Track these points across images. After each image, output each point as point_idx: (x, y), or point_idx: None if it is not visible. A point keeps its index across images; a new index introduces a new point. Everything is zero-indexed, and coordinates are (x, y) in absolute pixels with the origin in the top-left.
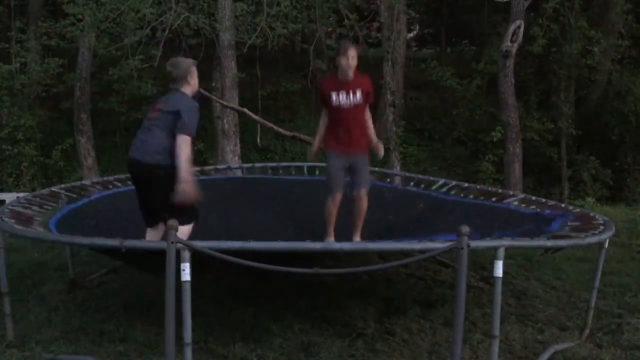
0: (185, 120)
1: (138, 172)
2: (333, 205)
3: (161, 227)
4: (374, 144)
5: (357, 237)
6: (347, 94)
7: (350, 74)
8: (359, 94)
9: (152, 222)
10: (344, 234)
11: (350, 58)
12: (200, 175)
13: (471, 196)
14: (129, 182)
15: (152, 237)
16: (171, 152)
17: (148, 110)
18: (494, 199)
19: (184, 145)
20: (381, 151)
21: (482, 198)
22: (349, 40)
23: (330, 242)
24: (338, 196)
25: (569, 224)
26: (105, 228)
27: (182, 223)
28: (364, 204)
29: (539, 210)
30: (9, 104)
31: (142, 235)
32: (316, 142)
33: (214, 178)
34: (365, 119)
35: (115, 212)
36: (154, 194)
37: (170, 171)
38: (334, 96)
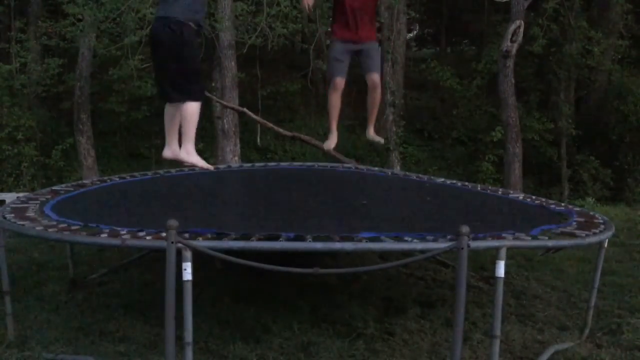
0: None
1: (162, 30)
2: (333, 90)
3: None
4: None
5: (371, 130)
6: None
7: None
8: None
9: (169, 95)
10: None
11: None
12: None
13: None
14: (128, 177)
15: (171, 111)
16: (199, 12)
17: None
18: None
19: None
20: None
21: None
22: None
23: (331, 242)
24: (339, 82)
25: (575, 219)
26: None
27: (192, 98)
28: (378, 91)
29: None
30: (9, 104)
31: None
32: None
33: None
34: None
35: (112, 197)
36: (170, 57)
37: (193, 33)
38: None
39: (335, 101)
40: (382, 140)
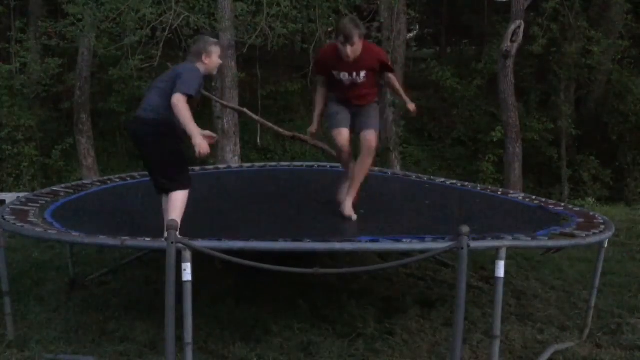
0: (184, 78)
1: (133, 128)
2: (340, 140)
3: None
4: (408, 105)
5: (348, 204)
6: (350, 74)
7: (355, 56)
8: (362, 74)
9: (159, 189)
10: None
11: (355, 46)
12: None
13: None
14: (128, 179)
15: (165, 199)
16: (165, 110)
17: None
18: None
19: (180, 104)
20: (413, 107)
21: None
22: (350, 20)
23: (331, 242)
24: (344, 132)
25: (577, 220)
26: (102, 218)
27: (176, 188)
28: (371, 155)
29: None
30: (9, 104)
31: (141, 224)
32: (315, 117)
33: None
34: (393, 88)
35: (112, 203)
36: (147, 153)
37: (162, 129)
38: (334, 73)
39: (346, 153)
40: (355, 217)
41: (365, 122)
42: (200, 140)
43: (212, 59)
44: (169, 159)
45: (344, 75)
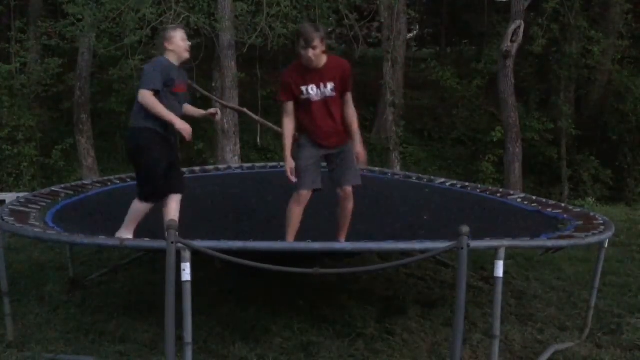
0: (144, 75)
1: (127, 139)
2: (297, 205)
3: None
4: (355, 146)
5: (342, 238)
6: (318, 85)
7: (318, 62)
8: (330, 85)
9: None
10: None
11: (317, 49)
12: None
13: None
14: (129, 180)
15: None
16: (139, 113)
17: None
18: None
19: (145, 99)
20: (362, 157)
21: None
22: (309, 24)
23: (331, 242)
24: (305, 195)
25: (575, 224)
26: (102, 221)
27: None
28: (350, 204)
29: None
30: (9, 104)
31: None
32: (288, 157)
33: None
34: (347, 112)
35: (112, 206)
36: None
37: (138, 139)
38: (302, 89)
39: (296, 214)
40: None
41: (346, 175)
42: (181, 124)
43: (175, 42)
44: (139, 169)
45: (312, 89)
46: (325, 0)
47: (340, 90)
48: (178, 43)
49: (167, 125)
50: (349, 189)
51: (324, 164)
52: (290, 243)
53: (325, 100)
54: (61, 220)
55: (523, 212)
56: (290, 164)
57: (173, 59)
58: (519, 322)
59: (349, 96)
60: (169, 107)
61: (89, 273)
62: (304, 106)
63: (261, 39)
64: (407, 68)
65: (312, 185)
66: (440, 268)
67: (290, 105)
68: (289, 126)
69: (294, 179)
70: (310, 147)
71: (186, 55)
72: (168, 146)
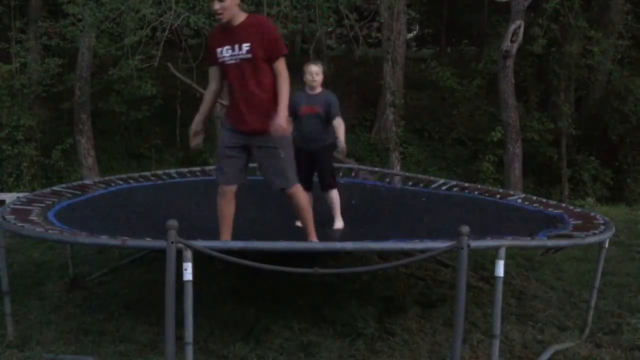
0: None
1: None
2: (219, 199)
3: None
4: (278, 115)
5: (312, 239)
6: (232, 47)
7: (229, 19)
8: (246, 47)
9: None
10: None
11: (225, 1)
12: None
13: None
14: (131, 181)
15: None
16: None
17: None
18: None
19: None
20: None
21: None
22: None
23: (331, 243)
24: (225, 188)
25: (572, 222)
26: (103, 219)
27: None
28: (297, 202)
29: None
30: (9, 104)
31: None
32: (196, 120)
33: None
34: (280, 82)
35: (114, 204)
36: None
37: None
38: (217, 50)
39: (224, 210)
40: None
41: (271, 179)
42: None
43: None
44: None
45: (227, 52)
46: (325, 0)
47: (262, 56)
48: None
49: None
50: (286, 192)
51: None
52: (290, 243)
53: (240, 65)
54: (63, 219)
55: (524, 211)
56: (193, 126)
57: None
58: (519, 322)
59: (278, 63)
60: None
61: (89, 273)
62: (224, 73)
63: None
64: (407, 68)
65: (225, 179)
66: (440, 268)
67: (214, 71)
68: (209, 89)
69: (193, 144)
70: (226, 131)
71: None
72: None
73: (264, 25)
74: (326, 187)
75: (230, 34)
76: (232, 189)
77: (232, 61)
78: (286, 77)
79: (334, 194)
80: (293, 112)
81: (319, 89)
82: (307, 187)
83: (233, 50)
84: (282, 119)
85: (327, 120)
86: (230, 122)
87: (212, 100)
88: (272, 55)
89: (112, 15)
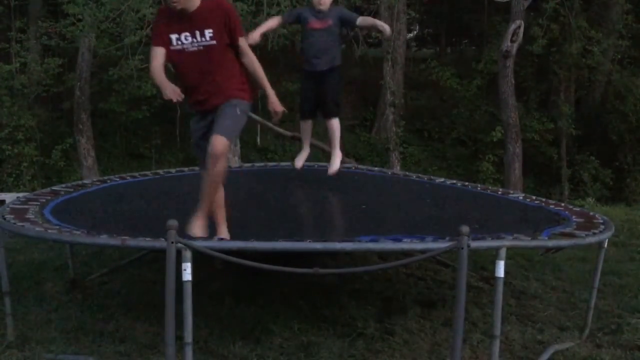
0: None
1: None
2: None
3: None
4: (270, 100)
5: (194, 223)
6: (193, 34)
7: (185, 4)
8: (209, 33)
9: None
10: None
11: None
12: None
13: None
14: (128, 178)
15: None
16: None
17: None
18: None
19: None
20: (278, 108)
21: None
22: None
23: (330, 243)
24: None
25: (574, 219)
26: (101, 216)
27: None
28: (214, 166)
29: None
30: (9, 104)
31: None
32: (160, 81)
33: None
34: (246, 62)
35: (111, 202)
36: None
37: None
38: (171, 37)
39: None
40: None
41: (215, 124)
42: None
43: None
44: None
45: (187, 39)
46: None
47: (227, 41)
48: None
49: None
50: (215, 141)
51: None
52: (290, 243)
53: (203, 52)
54: (59, 214)
55: (525, 207)
56: (165, 86)
57: None
58: (519, 322)
59: (242, 43)
60: None
61: (89, 273)
62: (176, 59)
63: (261, 39)
64: (407, 68)
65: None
66: (440, 268)
67: (159, 51)
68: (157, 65)
69: (178, 97)
70: (194, 118)
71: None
72: None
73: (223, 7)
74: (329, 113)
75: (188, 19)
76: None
77: (194, 48)
78: (254, 56)
79: (336, 123)
80: (296, 22)
81: (327, 7)
82: (310, 115)
83: (194, 37)
84: (275, 102)
85: (350, 24)
86: (195, 108)
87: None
88: (235, 37)
89: (112, 15)
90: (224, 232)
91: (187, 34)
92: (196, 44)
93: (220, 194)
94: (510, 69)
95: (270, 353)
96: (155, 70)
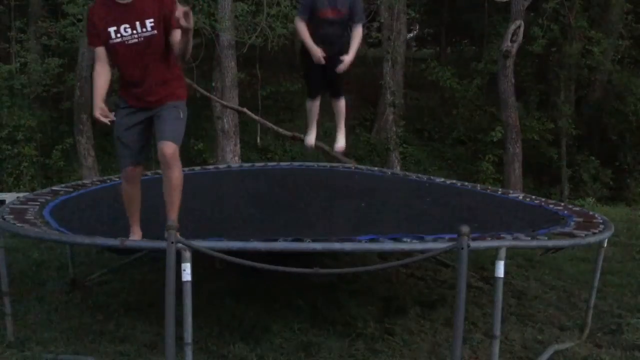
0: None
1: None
2: (128, 184)
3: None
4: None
5: (172, 215)
6: (133, 26)
7: None
8: (150, 23)
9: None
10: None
11: None
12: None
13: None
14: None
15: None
16: None
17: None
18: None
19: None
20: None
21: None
22: None
23: (330, 243)
24: (130, 172)
25: (574, 219)
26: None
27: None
28: (170, 172)
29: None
30: (9, 104)
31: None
32: (97, 102)
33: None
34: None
35: (111, 202)
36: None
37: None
38: (109, 30)
39: (130, 196)
40: None
41: (161, 131)
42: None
43: None
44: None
45: (126, 31)
46: None
47: (166, 29)
48: None
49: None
50: (165, 148)
51: None
52: (290, 243)
53: (144, 43)
54: (58, 215)
55: (525, 207)
56: (98, 105)
57: None
58: (519, 322)
59: (174, 36)
60: None
61: (89, 273)
62: (116, 53)
63: (261, 38)
64: (407, 68)
65: (129, 161)
66: (440, 268)
67: (100, 51)
68: (101, 72)
69: (105, 120)
70: (124, 112)
71: None
72: None
73: None
74: (337, 93)
75: (125, 10)
76: (139, 170)
77: (134, 40)
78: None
79: (342, 102)
80: (310, 13)
81: None
82: (317, 94)
83: (134, 28)
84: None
85: (352, 21)
86: (131, 103)
87: (107, 83)
88: (172, 24)
89: None
90: (137, 232)
91: (127, 25)
92: (136, 36)
93: (137, 196)
94: (510, 69)
95: (270, 353)
96: (99, 84)
